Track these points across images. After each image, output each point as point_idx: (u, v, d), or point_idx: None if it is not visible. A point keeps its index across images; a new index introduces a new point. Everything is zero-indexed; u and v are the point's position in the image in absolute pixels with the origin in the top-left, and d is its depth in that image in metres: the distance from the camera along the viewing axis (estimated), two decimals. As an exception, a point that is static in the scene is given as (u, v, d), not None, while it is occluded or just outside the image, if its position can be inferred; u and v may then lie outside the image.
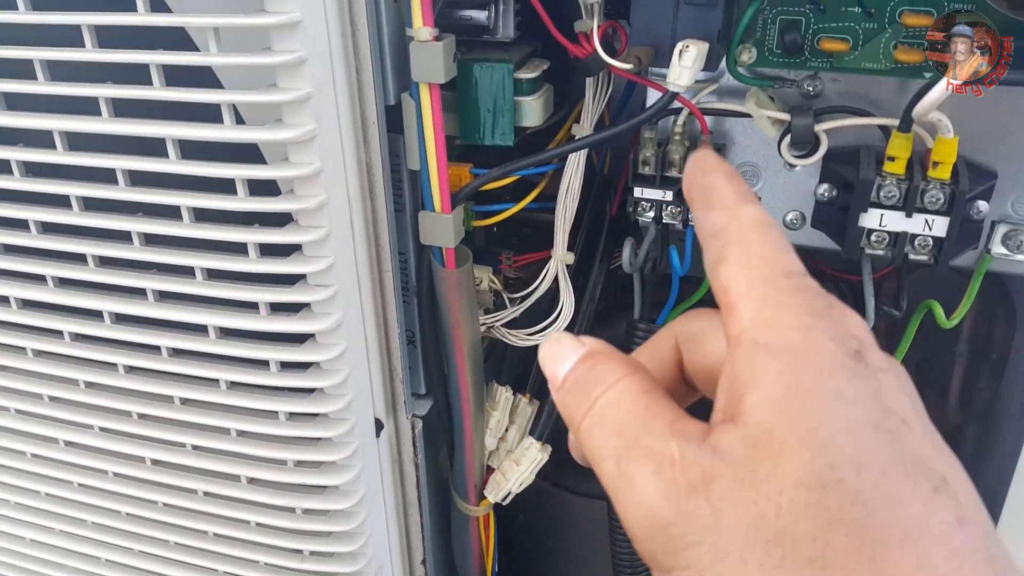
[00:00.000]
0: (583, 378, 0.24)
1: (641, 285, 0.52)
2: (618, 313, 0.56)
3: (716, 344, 0.25)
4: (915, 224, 0.42)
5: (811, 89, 0.44)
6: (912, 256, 0.43)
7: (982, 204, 0.42)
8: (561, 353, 0.25)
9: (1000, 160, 0.43)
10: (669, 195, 0.46)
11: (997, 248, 0.44)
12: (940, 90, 0.37)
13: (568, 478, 0.65)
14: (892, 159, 0.41)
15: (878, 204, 0.42)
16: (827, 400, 0.20)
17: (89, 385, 0.52)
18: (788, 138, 0.43)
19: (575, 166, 0.48)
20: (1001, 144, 0.43)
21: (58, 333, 0.51)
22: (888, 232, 0.42)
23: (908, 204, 0.41)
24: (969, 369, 0.59)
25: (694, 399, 0.28)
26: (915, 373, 0.67)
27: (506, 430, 0.56)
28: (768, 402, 0.20)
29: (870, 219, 0.42)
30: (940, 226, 0.42)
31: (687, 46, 0.40)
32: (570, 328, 0.52)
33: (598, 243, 0.54)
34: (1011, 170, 0.43)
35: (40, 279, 0.49)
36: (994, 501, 0.55)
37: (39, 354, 0.52)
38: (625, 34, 0.44)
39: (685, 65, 0.40)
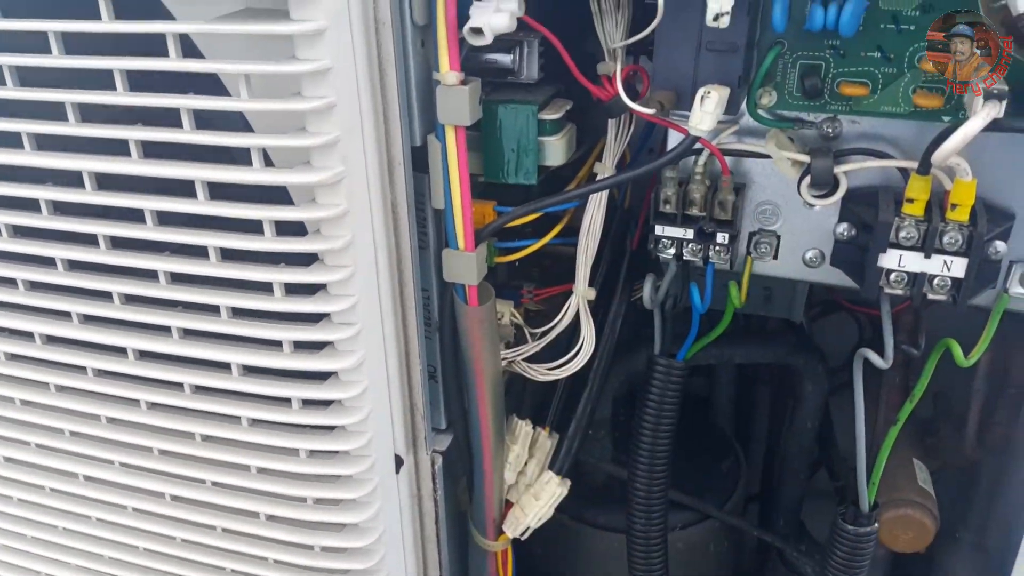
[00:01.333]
0: None
1: (662, 321, 0.53)
2: (639, 345, 0.57)
3: None
4: (934, 265, 0.42)
5: (830, 131, 0.44)
6: (931, 296, 0.43)
7: (1000, 245, 0.42)
8: None
9: (1018, 201, 0.43)
10: (690, 233, 0.47)
11: (1015, 288, 0.45)
12: (959, 137, 0.37)
13: (586, 510, 0.65)
14: (911, 201, 0.42)
15: (897, 245, 0.42)
16: None
17: (111, 421, 0.52)
18: (808, 179, 0.43)
19: (597, 203, 0.48)
20: (1019, 186, 0.43)
21: (81, 369, 0.51)
22: (907, 272, 0.43)
23: (927, 245, 0.42)
24: (986, 403, 0.60)
25: None
26: (931, 405, 0.66)
27: (525, 464, 0.56)
28: None
29: (889, 259, 0.43)
30: (959, 267, 0.42)
31: (708, 92, 0.40)
32: (590, 363, 0.52)
33: (618, 276, 0.54)
34: (1029, 211, 0.43)
35: (66, 315, 0.49)
36: (1009, 537, 0.55)
37: (62, 389, 0.52)
38: (647, 76, 0.45)
39: (707, 110, 0.40)
